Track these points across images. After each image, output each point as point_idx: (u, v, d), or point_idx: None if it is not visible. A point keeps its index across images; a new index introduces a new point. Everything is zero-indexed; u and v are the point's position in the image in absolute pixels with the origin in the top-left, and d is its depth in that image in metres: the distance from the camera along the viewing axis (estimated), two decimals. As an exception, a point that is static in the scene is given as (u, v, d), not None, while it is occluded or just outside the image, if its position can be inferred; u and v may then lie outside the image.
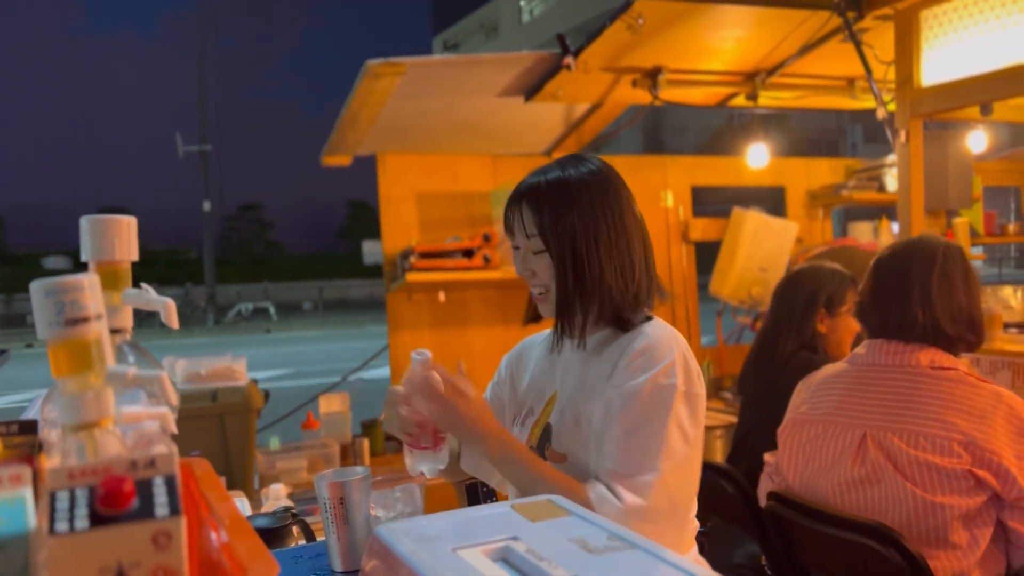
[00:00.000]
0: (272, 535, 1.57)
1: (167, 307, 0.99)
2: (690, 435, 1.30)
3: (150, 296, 0.99)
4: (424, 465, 1.36)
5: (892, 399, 1.65)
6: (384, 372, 3.33)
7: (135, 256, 1.02)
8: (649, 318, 1.41)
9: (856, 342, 2.46)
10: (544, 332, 1.60)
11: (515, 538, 0.99)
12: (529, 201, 1.35)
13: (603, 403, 1.32)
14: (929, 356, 1.65)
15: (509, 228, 1.39)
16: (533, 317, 1.51)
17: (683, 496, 1.28)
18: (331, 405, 3.01)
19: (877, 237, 3.98)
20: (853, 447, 1.66)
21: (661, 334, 1.36)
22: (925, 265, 1.70)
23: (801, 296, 2.39)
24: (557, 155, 3.64)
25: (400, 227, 3.36)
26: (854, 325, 2.38)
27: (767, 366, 2.38)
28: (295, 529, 1.61)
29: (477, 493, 1.40)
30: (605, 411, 1.31)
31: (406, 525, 1.07)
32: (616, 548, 0.95)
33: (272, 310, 24.45)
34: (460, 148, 3.47)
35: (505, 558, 0.97)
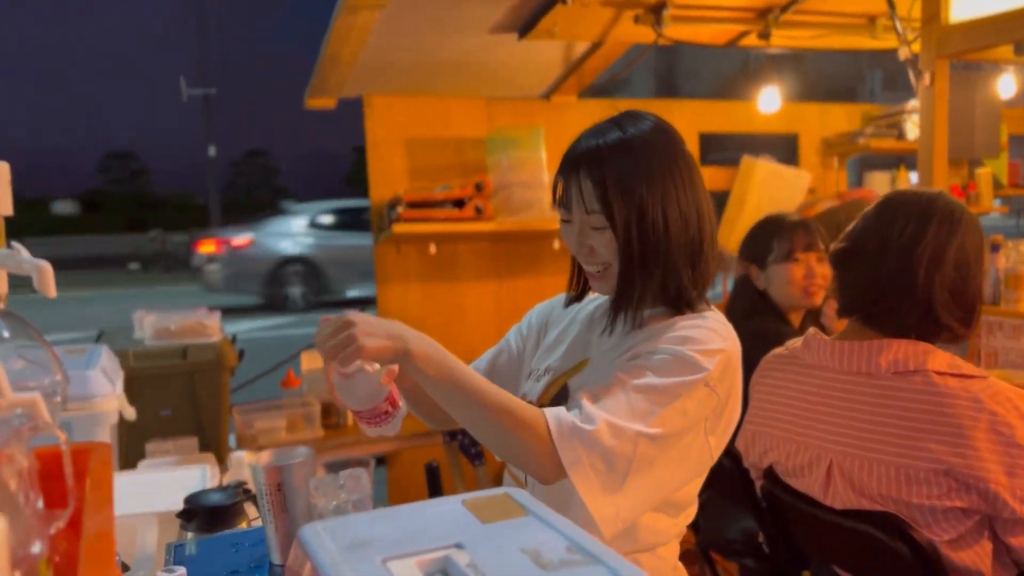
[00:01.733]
0: (219, 514, 1.43)
1: (41, 271, 0.82)
2: (691, 417, 1.14)
3: (21, 258, 0.82)
4: (375, 432, 1.23)
5: (854, 421, 1.43)
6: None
7: (7, 210, 0.85)
8: (710, 310, 1.26)
9: (805, 285, 2.27)
10: (562, 296, 1.46)
11: (459, 546, 0.85)
12: (589, 170, 1.18)
13: (629, 352, 1.18)
14: (892, 355, 1.41)
15: (565, 201, 1.22)
16: (578, 296, 1.37)
17: (634, 473, 1.11)
18: (314, 361, 2.87)
19: (895, 188, 3.78)
20: (820, 477, 1.47)
21: (721, 324, 1.21)
22: (919, 229, 1.44)
23: (740, 256, 2.36)
24: (556, 98, 3.47)
25: (388, 175, 3.17)
26: (789, 272, 2.23)
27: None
28: (247, 507, 1.47)
29: (437, 478, 1.26)
30: (622, 362, 1.17)
31: (335, 525, 0.92)
32: (574, 563, 0.80)
33: (278, 257, 24.31)
34: (452, 90, 3.26)
35: (444, 571, 0.83)
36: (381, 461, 3.03)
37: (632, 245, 1.17)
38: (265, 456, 1.17)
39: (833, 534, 1.48)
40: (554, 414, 1.11)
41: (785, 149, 4.07)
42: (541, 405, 1.30)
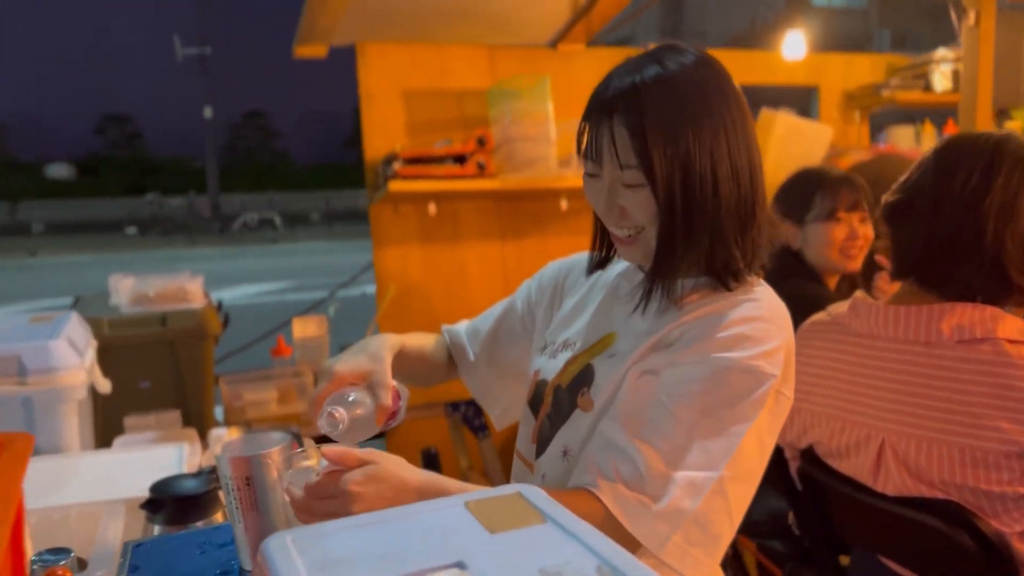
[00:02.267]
0: (191, 504, 1.27)
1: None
2: (766, 447, 0.99)
3: None
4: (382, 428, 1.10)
5: (910, 396, 1.25)
6: (372, 288, 3.01)
7: None
8: (759, 283, 1.07)
9: (846, 247, 2.08)
10: (583, 254, 1.27)
11: (461, 565, 0.69)
12: (625, 115, 0.97)
13: (672, 366, 0.99)
14: (955, 320, 1.22)
15: (593, 153, 1.02)
16: (602, 262, 1.18)
17: (733, 520, 0.97)
18: (306, 329, 2.70)
19: (919, 144, 3.57)
20: (870, 459, 1.29)
21: (775, 308, 1.02)
22: (985, 177, 1.25)
23: (773, 212, 2.12)
24: (563, 46, 3.24)
25: (383, 129, 2.97)
26: (830, 233, 2.04)
27: None
28: (222, 495, 1.31)
29: (436, 466, 1.10)
30: (672, 379, 0.98)
31: (308, 537, 0.76)
32: (609, 590, 0.63)
33: (278, 220, 24.13)
34: (452, 37, 3.04)
35: (439, 608, 0.66)
36: (379, 435, 2.87)
37: (675, 207, 0.98)
38: (234, 442, 1.00)
39: (883, 522, 1.32)
40: (612, 492, 0.93)
41: (800, 103, 3.85)
42: (559, 386, 1.13)
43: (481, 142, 2.85)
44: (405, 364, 1.24)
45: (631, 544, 0.92)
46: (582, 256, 1.30)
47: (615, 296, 1.16)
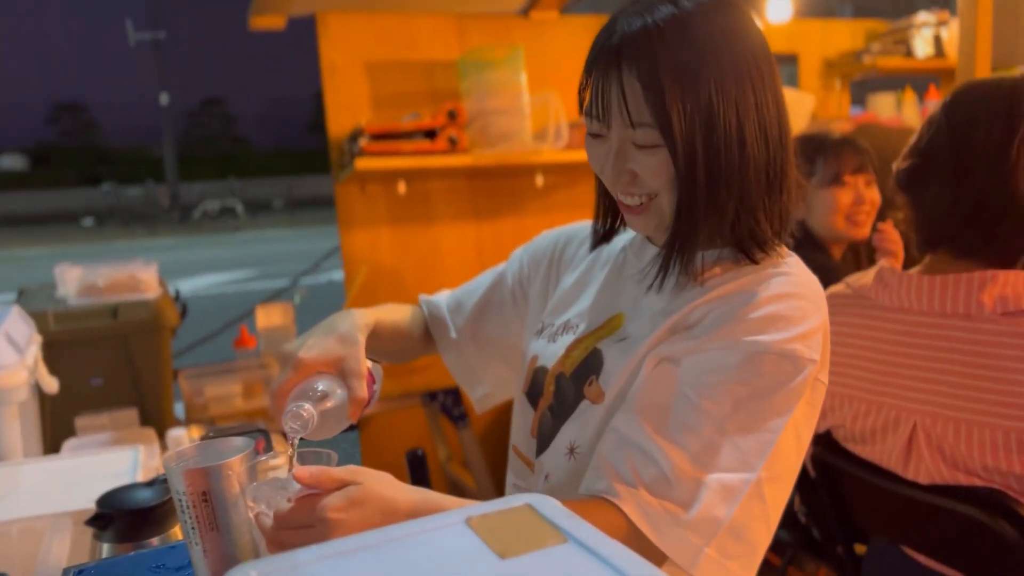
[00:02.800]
0: (144, 518, 1.12)
1: None
2: (803, 442, 0.86)
3: None
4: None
5: (947, 375, 1.13)
6: (339, 275, 2.85)
7: None
8: (788, 254, 0.94)
9: (852, 213, 1.98)
10: (585, 224, 1.13)
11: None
12: (637, 63, 0.83)
13: (695, 353, 0.86)
14: (998, 290, 1.11)
15: (599, 111, 0.87)
16: (607, 234, 1.04)
17: (771, 526, 0.85)
18: (271, 318, 2.54)
19: (900, 111, 3.49)
20: (900, 444, 1.17)
21: (809, 282, 0.89)
22: (1007, 125, 1.14)
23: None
24: (536, 14, 3.09)
25: (347, 104, 2.80)
26: (836, 198, 1.93)
27: None
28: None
29: (423, 470, 0.96)
30: (697, 368, 0.85)
31: (277, 568, 0.63)
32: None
33: (240, 208, 23.66)
34: (417, 5, 2.88)
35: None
36: (353, 426, 2.73)
37: (696, 170, 0.84)
38: (186, 451, 0.86)
39: (910, 511, 1.21)
40: (634, 500, 0.80)
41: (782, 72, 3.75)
42: (561, 374, 1.00)
43: (452, 116, 2.69)
44: (379, 341, 1.10)
45: (657, 557, 0.80)
46: (580, 226, 1.16)
47: (621, 271, 1.03)
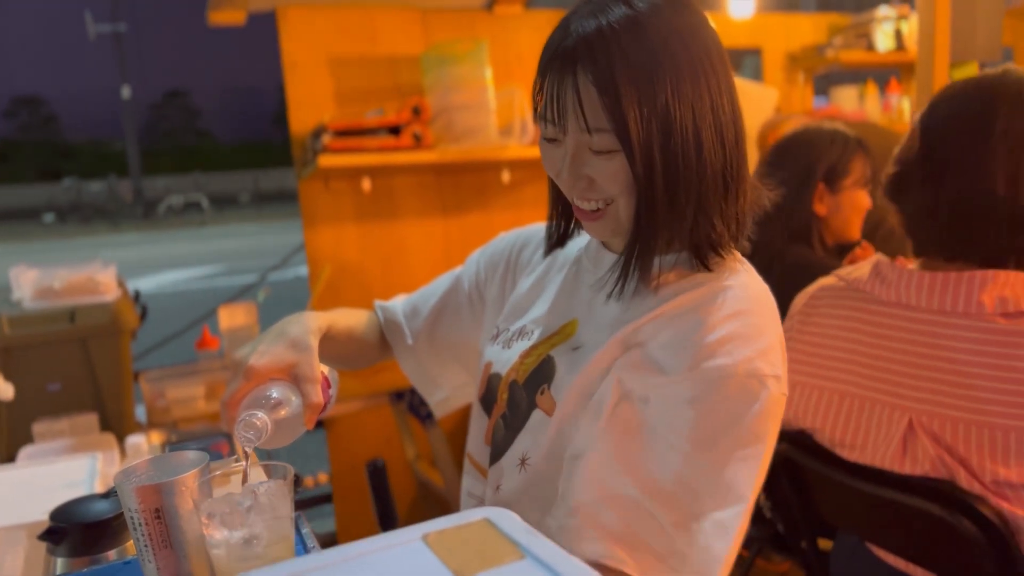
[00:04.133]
0: (99, 532, 1.09)
1: None
2: (771, 443, 0.86)
3: None
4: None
5: (944, 369, 1.13)
6: (306, 271, 2.82)
7: None
8: (740, 260, 0.93)
9: (871, 227, 2.00)
10: (540, 227, 1.11)
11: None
12: (593, 67, 0.81)
13: (657, 388, 0.84)
14: (998, 291, 1.10)
15: (553, 115, 0.85)
16: (560, 240, 1.01)
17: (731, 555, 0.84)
18: (234, 318, 2.49)
19: (863, 104, 3.53)
20: (895, 441, 1.16)
21: (760, 294, 0.88)
22: (983, 124, 1.13)
23: (794, 170, 1.87)
24: (500, 9, 3.07)
25: (310, 100, 2.76)
26: (863, 200, 1.92)
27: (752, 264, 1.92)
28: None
29: (383, 481, 0.95)
30: (663, 405, 0.83)
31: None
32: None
33: (205, 203, 23.33)
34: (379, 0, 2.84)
35: None
36: (320, 424, 2.71)
37: (655, 176, 0.83)
38: (137, 467, 0.84)
39: (874, 507, 1.22)
40: (636, 561, 0.80)
41: (734, 63, 3.76)
42: (514, 381, 0.98)
43: (416, 111, 2.67)
44: (333, 346, 1.08)
45: None
46: (537, 228, 1.15)
47: (577, 277, 1.02)
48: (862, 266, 1.30)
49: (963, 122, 1.16)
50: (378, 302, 1.26)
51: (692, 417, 0.81)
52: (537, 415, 0.94)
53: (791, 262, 1.82)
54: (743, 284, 0.89)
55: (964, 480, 1.11)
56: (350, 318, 1.16)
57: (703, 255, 0.90)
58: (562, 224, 1.03)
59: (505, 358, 1.02)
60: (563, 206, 1.01)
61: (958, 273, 1.15)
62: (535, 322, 1.02)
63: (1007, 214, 1.13)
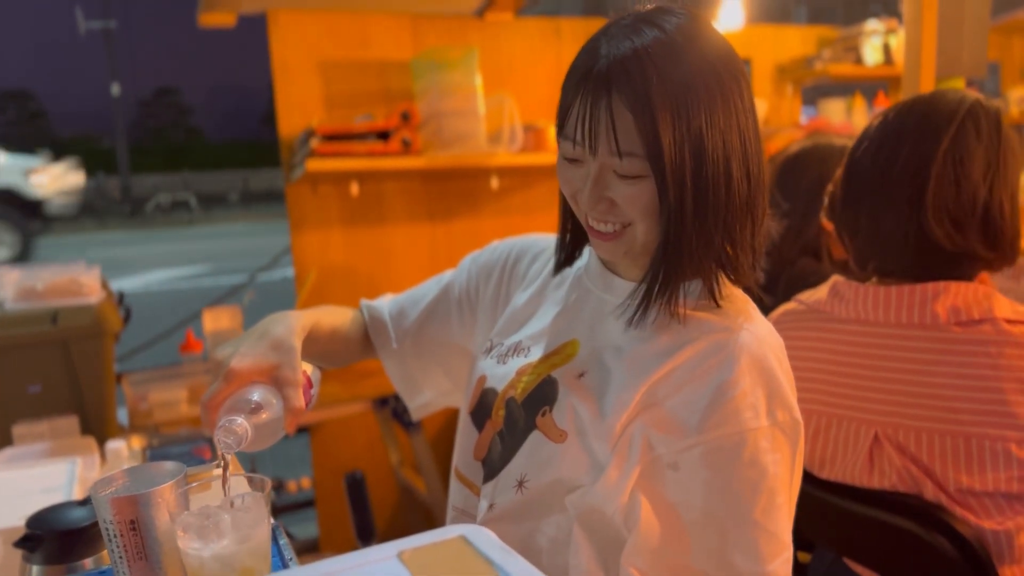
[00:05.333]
0: (76, 539, 1.08)
1: None
2: (798, 482, 0.88)
3: None
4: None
5: (904, 380, 1.14)
6: (292, 272, 2.81)
7: None
8: (744, 299, 0.94)
9: None
10: (550, 240, 1.10)
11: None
12: (629, 91, 0.79)
13: (674, 439, 0.85)
14: (949, 301, 1.12)
15: (585, 134, 0.83)
16: (568, 259, 1.01)
17: None
18: (218, 321, 2.48)
19: (850, 117, 3.55)
20: (862, 455, 1.17)
21: (768, 335, 0.88)
22: (929, 134, 1.16)
23: (805, 182, 1.88)
24: (491, 16, 3.07)
25: (299, 104, 2.76)
26: None
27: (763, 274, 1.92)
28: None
29: (361, 492, 0.94)
30: (698, 472, 0.83)
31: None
32: None
33: (193, 201, 23.21)
34: (371, 4, 2.84)
35: None
36: (304, 429, 2.70)
37: (685, 203, 0.82)
38: (113, 478, 0.83)
39: (851, 523, 1.23)
40: None
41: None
42: (512, 398, 0.97)
43: (405, 117, 2.67)
44: (316, 345, 1.07)
45: None
46: (532, 239, 1.14)
47: (579, 297, 1.01)
48: (821, 288, 1.32)
49: (875, 146, 1.20)
50: (364, 301, 1.26)
51: (734, 481, 0.83)
52: (536, 437, 0.93)
53: (796, 273, 1.84)
54: (753, 327, 0.89)
55: (930, 491, 1.12)
56: (335, 316, 1.16)
57: (718, 285, 0.90)
58: (572, 244, 1.03)
59: (501, 373, 1.02)
60: (574, 225, 1.00)
61: (911, 286, 1.17)
62: (531, 338, 1.01)
63: (914, 234, 1.16)
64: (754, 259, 0.90)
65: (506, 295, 1.12)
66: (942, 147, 1.14)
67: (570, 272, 1.05)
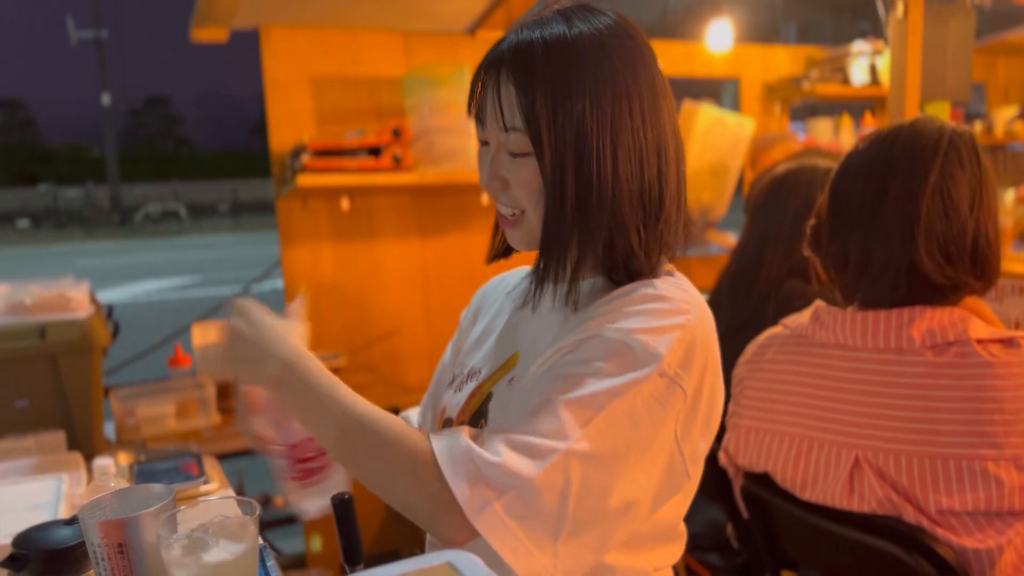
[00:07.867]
0: (61, 560, 1.08)
1: None
2: (644, 440, 0.82)
3: None
4: (309, 502, 0.91)
5: (882, 404, 1.16)
6: (282, 284, 2.81)
7: None
8: (669, 273, 0.94)
9: None
10: (522, 270, 1.11)
11: None
12: (516, 71, 0.85)
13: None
14: (924, 325, 1.14)
15: (479, 114, 0.89)
16: (502, 251, 1.01)
17: (570, 502, 0.79)
18: (207, 336, 2.48)
19: (838, 137, 3.59)
20: (842, 479, 1.18)
21: (677, 292, 0.88)
22: (918, 168, 1.17)
23: (792, 204, 1.90)
24: (482, 33, 3.09)
25: (290, 119, 2.77)
26: None
27: (745, 294, 1.93)
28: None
29: (349, 514, 0.94)
30: (539, 361, 0.88)
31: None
32: None
33: (183, 212, 23.17)
34: (363, 21, 2.86)
35: None
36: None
37: (564, 184, 0.85)
38: (101, 501, 0.84)
39: (833, 545, 1.24)
40: (445, 443, 0.79)
41: (712, 94, 3.82)
42: (462, 423, 0.99)
43: (397, 133, 2.68)
44: None
45: (447, 503, 0.78)
46: (497, 280, 1.17)
47: (522, 309, 1.02)
48: (805, 312, 1.33)
49: (861, 180, 1.21)
50: (403, 413, 1.26)
51: (556, 365, 0.85)
52: None
53: (784, 295, 1.86)
54: (658, 284, 0.89)
55: (911, 514, 1.13)
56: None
57: (619, 280, 0.92)
58: (501, 243, 1.04)
59: (456, 401, 1.03)
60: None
61: (887, 312, 1.19)
62: (483, 360, 1.03)
63: (905, 268, 1.17)
64: (657, 257, 0.92)
65: (470, 330, 1.14)
66: (930, 181, 1.16)
67: (521, 288, 1.06)
